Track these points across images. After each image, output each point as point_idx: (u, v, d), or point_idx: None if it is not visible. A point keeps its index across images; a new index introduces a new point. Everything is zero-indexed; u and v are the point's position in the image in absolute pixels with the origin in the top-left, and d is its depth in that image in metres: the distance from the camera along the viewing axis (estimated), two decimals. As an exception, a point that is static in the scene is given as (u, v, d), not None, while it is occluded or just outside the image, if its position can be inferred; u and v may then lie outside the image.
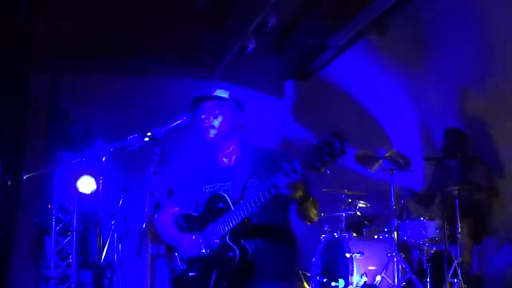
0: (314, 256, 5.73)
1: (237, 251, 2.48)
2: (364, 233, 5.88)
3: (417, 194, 5.56)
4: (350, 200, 5.93)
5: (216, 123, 2.71)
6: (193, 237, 2.65)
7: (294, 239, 2.76)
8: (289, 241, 2.73)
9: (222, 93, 2.75)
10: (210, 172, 2.81)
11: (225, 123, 2.72)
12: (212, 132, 2.71)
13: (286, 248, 2.70)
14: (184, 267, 2.68)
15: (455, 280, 4.63)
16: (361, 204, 5.93)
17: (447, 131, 5.49)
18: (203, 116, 2.73)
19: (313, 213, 2.66)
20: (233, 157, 2.77)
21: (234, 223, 2.48)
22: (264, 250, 2.59)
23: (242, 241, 2.52)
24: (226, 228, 2.51)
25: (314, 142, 2.13)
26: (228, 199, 2.56)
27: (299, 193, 2.38)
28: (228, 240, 2.51)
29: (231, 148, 2.77)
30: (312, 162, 2.13)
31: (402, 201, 5.33)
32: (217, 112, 2.72)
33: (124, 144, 2.68)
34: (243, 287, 2.55)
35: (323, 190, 6.01)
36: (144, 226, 5.79)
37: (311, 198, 2.60)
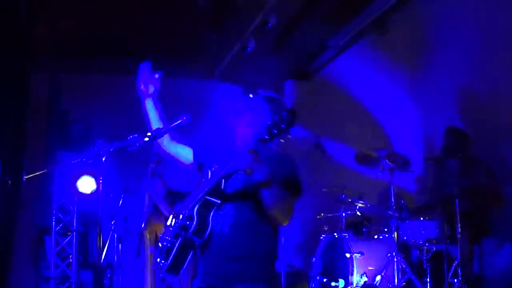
0: (314, 256, 5.73)
1: (195, 221, 2.52)
2: (364, 233, 5.87)
3: (415, 209, 5.54)
4: (350, 200, 5.92)
5: (240, 115, 2.77)
6: (175, 208, 2.73)
7: (268, 243, 2.66)
8: (261, 241, 2.63)
9: (263, 93, 2.80)
10: (225, 156, 2.84)
11: (249, 120, 2.75)
12: (233, 122, 2.79)
13: (255, 247, 2.60)
14: (163, 237, 2.74)
15: (455, 280, 4.63)
16: (361, 204, 5.92)
17: (448, 131, 5.47)
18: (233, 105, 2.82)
19: (279, 209, 2.53)
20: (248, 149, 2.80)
21: (203, 191, 2.55)
22: (230, 239, 2.57)
23: (208, 218, 2.55)
24: (198, 197, 2.57)
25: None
26: (210, 173, 2.63)
27: (250, 168, 2.39)
28: (194, 211, 2.55)
29: (247, 141, 2.78)
30: (262, 134, 2.30)
31: (402, 201, 5.32)
32: (245, 107, 2.77)
33: (124, 144, 2.69)
34: (209, 269, 2.57)
35: (323, 190, 6.01)
36: (143, 226, 5.81)
37: (272, 182, 2.48)
